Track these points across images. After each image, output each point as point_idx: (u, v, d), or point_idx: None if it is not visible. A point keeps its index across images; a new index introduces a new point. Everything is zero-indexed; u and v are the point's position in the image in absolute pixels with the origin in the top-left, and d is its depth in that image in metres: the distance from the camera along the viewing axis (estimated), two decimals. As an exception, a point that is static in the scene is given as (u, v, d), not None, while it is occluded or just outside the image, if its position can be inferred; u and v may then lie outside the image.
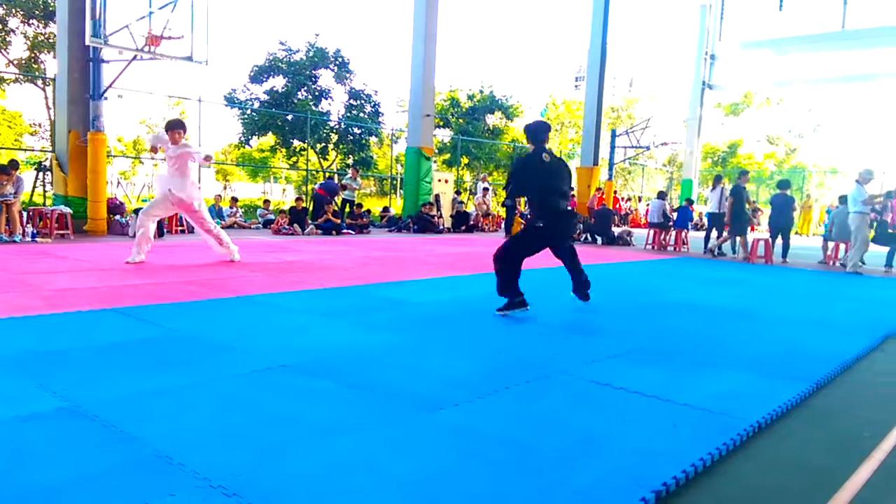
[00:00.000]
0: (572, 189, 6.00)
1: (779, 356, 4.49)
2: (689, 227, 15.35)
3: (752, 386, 3.71)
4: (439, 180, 18.63)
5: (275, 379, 3.43)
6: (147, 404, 2.95)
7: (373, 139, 25.23)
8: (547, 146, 5.62)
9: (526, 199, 5.73)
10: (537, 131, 5.60)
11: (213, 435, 2.63)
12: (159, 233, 11.92)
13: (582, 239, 15.92)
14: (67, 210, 11.33)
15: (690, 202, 15.68)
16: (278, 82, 22.22)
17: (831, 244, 12.55)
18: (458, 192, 20.24)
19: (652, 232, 14.78)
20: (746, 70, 28.47)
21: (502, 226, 17.87)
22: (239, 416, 2.85)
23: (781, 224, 12.42)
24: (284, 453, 2.48)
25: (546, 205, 5.49)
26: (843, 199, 12.44)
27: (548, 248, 5.83)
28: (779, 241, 12.44)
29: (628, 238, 15.63)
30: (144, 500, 2.07)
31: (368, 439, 2.67)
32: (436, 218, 17.15)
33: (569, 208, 5.66)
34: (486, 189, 19.91)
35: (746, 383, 3.76)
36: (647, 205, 26.21)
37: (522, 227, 5.84)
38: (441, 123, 28.85)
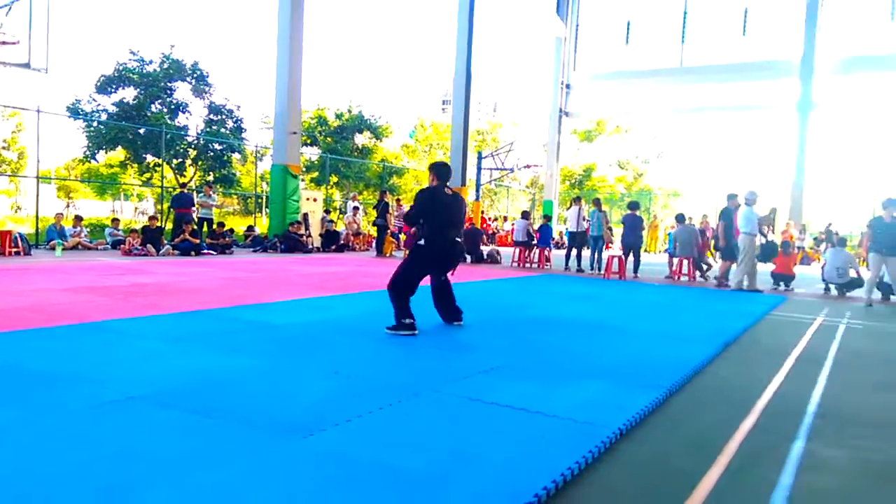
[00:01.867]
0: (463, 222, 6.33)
1: (634, 365, 4.75)
2: (551, 245, 16.06)
3: (611, 395, 3.88)
4: (308, 199, 18.24)
5: (120, 412, 3.12)
6: (-38, 448, 2.57)
7: (235, 156, 24.26)
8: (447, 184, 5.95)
9: (419, 225, 5.93)
10: (443, 169, 6.00)
11: (45, 478, 2.32)
12: (-13, 255, 10.69)
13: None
14: None
15: (548, 219, 16.46)
16: (129, 94, 20.81)
17: (675, 260, 13.60)
18: (327, 211, 19.90)
19: (517, 250, 15.30)
20: (598, 99, 30.54)
21: (373, 244, 17.80)
22: (78, 455, 2.55)
23: (632, 242, 13.31)
24: (133, 493, 2.24)
25: (438, 232, 5.76)
26: (679, 218, 13.57)
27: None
28: (631, 257, 13.31)
29: (497, 256, 16.08)
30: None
31: (229, 472, 2.48)
32: (304, 237, 16.73)
33: (456, 239, 5.88)
34: (356, 208, 19.74)
35: (606, 392, 3.93)
36: (513, 224, 27.24)
37: (410, 250, 6.03)
38: (308, 141, 28.37)
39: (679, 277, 13.26)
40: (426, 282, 5.92)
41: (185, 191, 16.19)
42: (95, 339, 4.78)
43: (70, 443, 2.69)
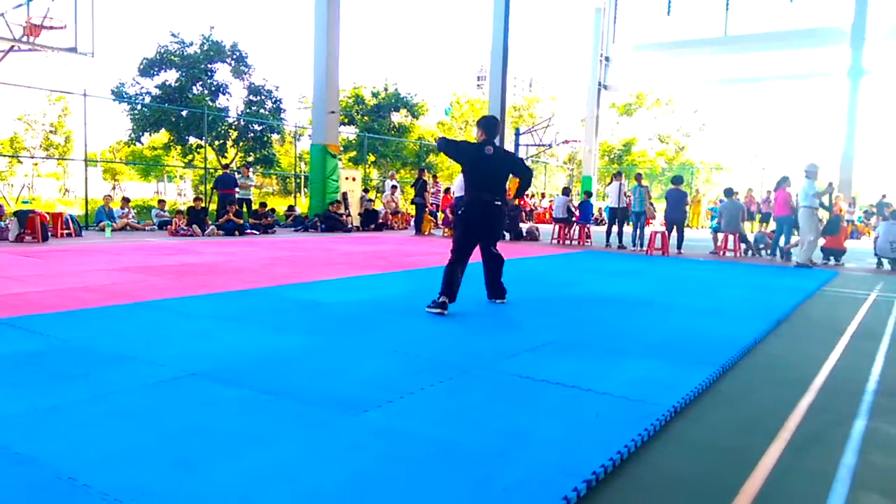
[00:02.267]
0: (531, 171, 6.13)
1: (683, 342, 4.70)
2: (592, 221, 15.89)
3: (662, 372, 3.85)
4: (346, 178, 18.35)
5: (183, 389, 3.22)
6: (42, 422, 2.69)
7: (275, 136, 24.48)
8: (494, 141, 5.76)
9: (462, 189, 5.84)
10: (490, 123, 5.77)
11: (120, 452, 2.42)
12: (43, 236, 11.05)
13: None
14: (-64, 214, 10.28)
15: (589, 195, 16.24)
16: (171, 76, 21.12)
17: (720, 235, 13.33)
18: (365, 190, 20.01)
19: (557, 227, 15.19)
20: (638, 72, 29.90)
21: (412, 223, 17.86)
22: (146, 431, 2.65)
23: (676, 217, 13.08)
24: (199, 468, 2.32)
25: (474, 193, 5.60)
26: (727, 192, 13.25)
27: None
28: (674, 233, 13.10)
29: (536, 233, 15.99)
30: (43, 529, 1.87)
31: (288, 448, 2.55)
32: (344, 216, 16.87)
33: (495, 202, 5.66)
34: (394, 187, 19.81)
35: (657, 370, 3.90)
36: (551, 201, 26.97)
37: (455, 220, 5.98)
38: (346, 120, 28.46)
39: (724, 253, 13.00)
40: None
41: (228, 172, 16.41)
42: (152, 317, 4.92)
43: (140, 419, 2.79)
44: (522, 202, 23.87)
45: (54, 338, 4.15)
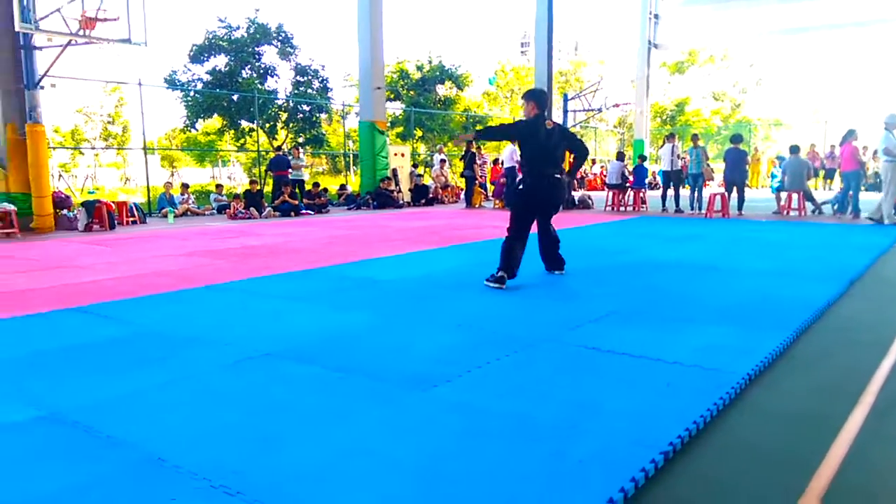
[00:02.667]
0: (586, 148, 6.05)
1: (752, 307, 4.58)
2: (646, 186, 15.54)
3: (733, 338, 3.76)
4: (395, 154, 18.39)
5: (259, 368, 3.33)
6: (128, 406, 2.82)
7: (323, 116, 24.71)
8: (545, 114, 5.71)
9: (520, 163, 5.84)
10: (542, 97, 5.73)
11: (205, 432, 2.53)
12: (110, 225, 11.49)
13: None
14: (12, 207, 10.78)
15: (644, 159, 15.84)
16: (220, 61, 21.49)
17: (784, 195, 12.86)
18: (414, 166, 20.04)
19: (611, 193, 14.91)
20: (689, 28, 28.77)
21: (462, 196, 17.82)
22: (228, 410, 2.75)
23: (736, 178, 12.67)
24: (282, 445, 2.40)
25: (534, 170, 5.58)
26: (793, 149, 12.72)
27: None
28: (734, 194, 12.70)
29: (588, 201, 15.75)
30: (143, 507, 1.97)
31: (365, 423, 2.61)
32: (395, 193, 16.96)
33: (556, 176, 5.61)
34: (443, 161, 19.76)
35: (727, 336, 3.81)
36: (602, 167, 26.49)
37: (511, 195, 5.97)
38: (392, 96, 28.43)
39: (788, 212, 12.55)
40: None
41: (281, 153, 16.66)
42: (221, 299, 5.09)
43: (222, 399, 2.90)
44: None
45: (131, 323, 4.33)
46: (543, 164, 5.56)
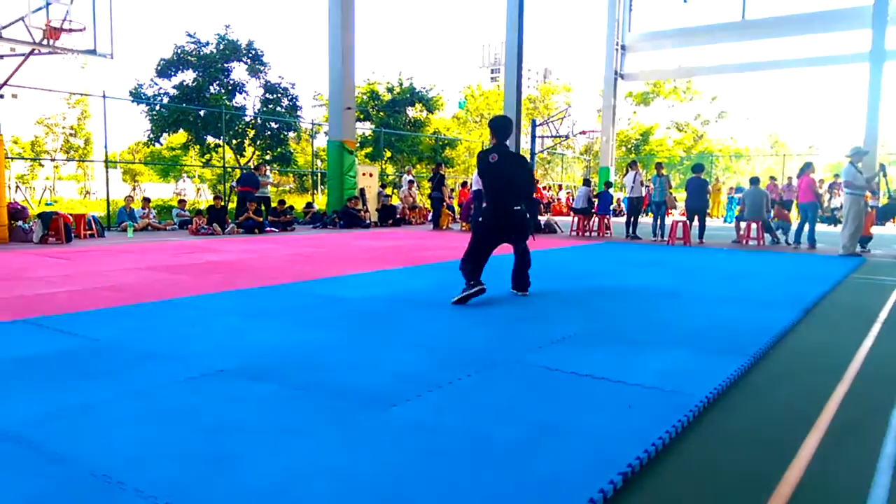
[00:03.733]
0: (533, 185, 6.06)
1: (712, 332, 4.63)
2: (611, 212, 15.77)
3: (692, 362, 3.80)
4: (363, 174, 18.37)
5: (213, 385, 3.23)
6: (75, 420, 2.71)
7: (291, 134, 24.57)
8: (506, 143, 5.71)
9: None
10: (499, 124, 5.65)
11: (154, 449, 2.43)
12: (67, 237, 11.19)
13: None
14: (-38, 217, 10.44)
15: (609, 185, 16.08)
16: (188, 76, 21.29)
17: (743, 224, 13.16)
18: (382, 186, 20.02)
19: (577, 218, 15.09)
20: (655, 60, 29.56)
21: (430, 217, 17.84)
22: (180, 427, 2.66)
23: (697, 206, 12.93)
24: (236, 463, 2.32)
25: (491, 199, 5.66)
26: (753, 181, 13.06)
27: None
28: (696, 222, 12.95)
29: (554, 226, 15.91)
30: (83, 526, 1.88)
31: (323, 442, 2.54)
32: (362, 212, 16.90)
33: (515, 208, 5.65)
34: (411, 182, 19.79)
35: (687, 360, 3.85)
36: (568, 193, 26.84)
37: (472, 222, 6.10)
38: (361, 116, 28.50)
39: (747, 242, 12.84)
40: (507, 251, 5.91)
41: (253, 171, 16.49)
42: (179, 315, 4.96)
43: (172, 415, 2.80)
44: (540, 195, 23.78)
45: (83, 337, 4.18)
46: (500, 193, 5.65)
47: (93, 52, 11.21)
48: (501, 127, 5.65)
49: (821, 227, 13.42)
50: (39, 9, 10.68)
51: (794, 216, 18.73)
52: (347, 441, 2.56)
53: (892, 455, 2.57)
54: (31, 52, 11.06)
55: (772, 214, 13.02)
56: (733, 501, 2.19)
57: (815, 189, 11.96)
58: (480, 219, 5.73)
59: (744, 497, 2.21)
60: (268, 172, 17.44)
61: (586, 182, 15.64)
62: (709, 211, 17.90)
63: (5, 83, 11.31)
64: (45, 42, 10.79)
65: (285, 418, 2.79)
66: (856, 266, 9.04)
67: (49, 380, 3.27)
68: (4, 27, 10.57)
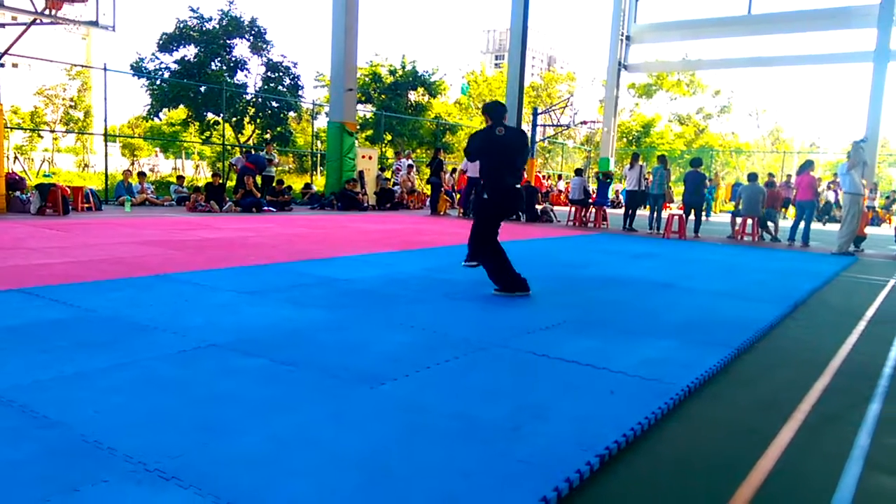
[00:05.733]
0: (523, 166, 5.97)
1: (699, 324, 4.70)
2: (608, 203, 15.79)
3: (677, 352, 3.86)
4: (363, 157, 18.35)
5: (205, 358, 3.29)
6: (68, 388, 2.76)
7: (291, 114, 24.48)
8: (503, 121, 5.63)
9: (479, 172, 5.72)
10: (496, 108, 5.63)
11: (144, 418, 2.49)
12: (64, 210, 11.20)
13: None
14: (-41, 185, 10.44)
15: (608, 176, 16.06)
16: (190, 52, 21.13)
17: (739, 219, 13.21)
18: (381, 169, 20.01)
19: (574, 209, 15.12)
20: (659, 52, 29.47)
21: (427, 202, 17.85)
22: (170, 398, 2.71)
23: (694, 201, 12.97)
24: (224, 433, 2.38)
25: (497, 178, 5.52)
26: (751, 177, 13.09)
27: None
28: (692, 216, 13.00)
29: (551, 215, 15.94)
30: (73, 486, 1.93)
31: (311, 416, 2.60)
32: (360, 195, 16.91)
33: (517, 186, 5.62)
34: (410, 166, 19.77)
35: (672, 350, 3.91)
36: (567, 183, 26.81)
37: (475, 204, 5.85)
38: (363, 98, 28.37)
39: (742, 237, 12.90)
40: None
41: (261, 153, 16.45)
42: (174, 289, 5.00)
43: (164, 386, 2.86)
44: (539, 183, 23.77)
45: (79, 307, 4.23)
46: (505, 169, 5.52)
47: (94, 23, 11.16)
48: (498, 109, 5.63)
49: (814, 226, 13.47)
50: (42, -22, 10.62)
51: (790, 213, 18.81)
52: (334, 416, 2.62)
53: (865, 447, 2.64)
54: (33, 22, 11.00)
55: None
56: (706, 487, 2.26)
57: (815, 188, 12.01)
58: (487, 197, 5.53)
59: (716, 483, 2.28)
60: (273, 152, 17.43)
61: (578, 172, 15.66)
62: (712, 206, 17.87)
63: (6, 52, 11.25)
64: (47, 12, 10.73)
65: (274, 392, 2.85)
66: (848, 265, 9.11)
67: (43, 349, 3.32)
68: (6, -5, 10.51)
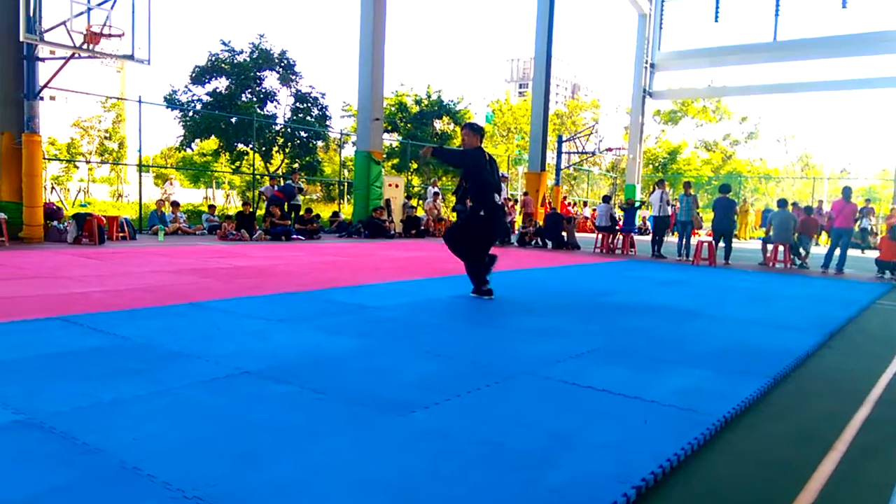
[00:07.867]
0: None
1: (732, 353, 4.63)
2: (636, 230, 15.71)
3: (712, 382, 3.80)
4: (389, 185, 18.55)
5: (238, 386, 3.33)
6: (106, 414, 2.81)
7: (319, 143, 24.86)
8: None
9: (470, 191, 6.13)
10: (481, 132, 6.26)
11: (181, 444, 2.52)
12: (100, 239, 11.47)
13: (532, 243, 16.11)
14: (2, 216, 10.76)
15: (632, 203, 16.01)
16: (221, 84, 21.67)
17: (770, 246, 13.03)
18: (408, 197, 20.18)
19: (600, 236, 15.05)
20: (684, 79, 29.47)
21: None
22: (206, 425, 2.75)
23: (724, 227, 12.83)
24: (258, 461, 2.40)
25: (489, 197, 6.09)
26: (781, 203, 12.93)
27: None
28: (721, 243, 12.85)
29: (574, 241, 15.87)
30: (114, 513, 1.96)
31: (341, 443, 2.61)
32: (387, 223, 17.05)
33: (500, 205, 6.21)
34: (436, 194, 19.91)
35: (706, 380, 3.85)
36: (593, 210, 26.69)
37: (467, 224, 6.32)
38: (389, 128, 28.73)
39: (774, 264, 12.71)
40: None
41: (290, 183, 16.78)
42: (207, 317, 5.08)
43: (200, 413, 2.90)
44: (565, 210, 23.72)
45: (115, 335, 4.32)
46: (495, 192, 6.04)
47: (130, 57, 11.51)
48: (483, 131, 6.25)
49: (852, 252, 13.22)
50: (81, 13, 11.01)
51: (822, 240, 18.48)
52: (364, 443, 2.63)
53: (908, 481, 2.57)
54: (72, 56, 11.39)
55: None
56: (745, 519, 2.21)
57: (855, 215, 11.85)
58: (484, 214, 5.92)
59: (756, 515, 2.23)
60: (300, 181, 17.72)
61: (605, 199, 15.62)
62: (736, 232, 17.73)
63: (46, 85, 11.65)
64: (85, 46, 11.11)
65: (306, 419, 2.87)
66: (884, 292, 8.91)
67: (82, 375, 3.39)
68: (47, 31, 10.90)
